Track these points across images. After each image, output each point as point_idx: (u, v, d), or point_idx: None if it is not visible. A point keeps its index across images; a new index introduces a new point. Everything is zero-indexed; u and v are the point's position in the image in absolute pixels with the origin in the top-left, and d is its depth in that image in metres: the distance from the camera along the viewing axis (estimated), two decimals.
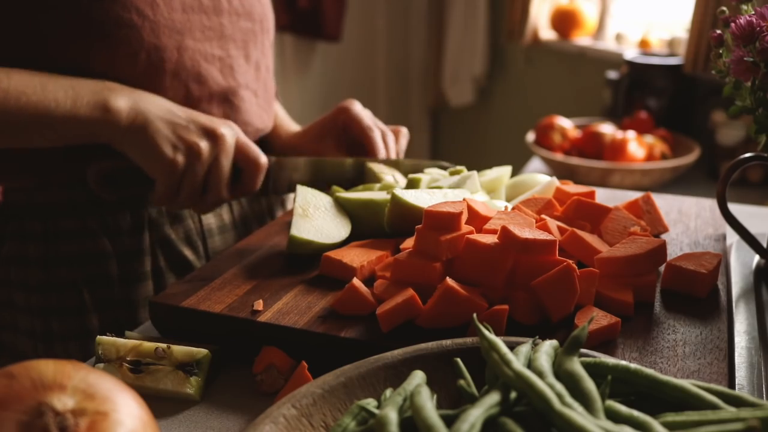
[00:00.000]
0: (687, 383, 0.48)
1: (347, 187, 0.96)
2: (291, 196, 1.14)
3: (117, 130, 0.82)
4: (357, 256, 0.77)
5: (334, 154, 1.05)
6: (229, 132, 0.86)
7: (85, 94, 0.81)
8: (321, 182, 0.97)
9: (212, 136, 0.84)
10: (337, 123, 1.03)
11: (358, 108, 1.03)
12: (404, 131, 1.07)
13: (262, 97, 1.04)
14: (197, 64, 0.92)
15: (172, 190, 0.85)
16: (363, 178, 0.98)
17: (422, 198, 0.81)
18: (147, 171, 0.84)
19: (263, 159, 0.89)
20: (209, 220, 1.00)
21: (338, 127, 1.03)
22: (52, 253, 0.91)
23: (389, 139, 1.02)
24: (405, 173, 0.98)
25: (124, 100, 0.82)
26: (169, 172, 0.83)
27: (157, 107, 0.84)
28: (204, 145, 0.84)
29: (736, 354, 0.64)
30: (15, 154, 0.89)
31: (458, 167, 0.99)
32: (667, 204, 0.96)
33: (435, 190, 0.84)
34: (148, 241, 0.95)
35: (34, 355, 0.93)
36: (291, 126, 1.14)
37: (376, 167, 0.97)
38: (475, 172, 0.91)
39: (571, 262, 0.66)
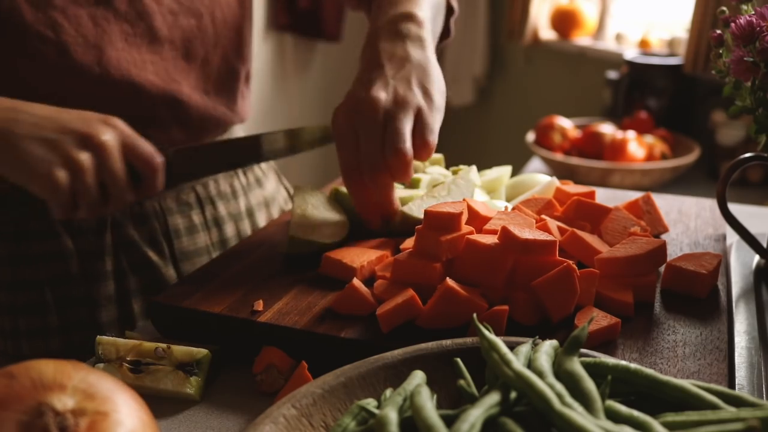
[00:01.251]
0: (687, 383, 0.48)
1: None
2: (278, 195, 1.13)
3: None
4: (357, 256, 0.77)
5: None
6: (112, 134, 0.76)
7: None
8: (230, 164, 0.91)
9: (91, 144, 0.74)
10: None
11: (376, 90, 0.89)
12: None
13: (214, 91, 0.99)
14: (128, 73, 0.88)
15: (67, 206, 0.76)
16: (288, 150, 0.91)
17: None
18: (31, 191, 0.75)
19: (157, 158, 0.78)
20: (176, 221, 0.98)
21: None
22: (19, 252, 0.91)
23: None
24: None
25: None
26: (53, 190, 0.73)
27: (21, 125, 0.74)
28: (84, 156, 0.74)
29: (736, 354, 0.64)
30: None
31: (460, 166, 0.99)
32: (667, 204, 0.96)
33: (437, 194, 0.84)
34: (110, 240, 0.93)
35: (3, 352, 0.93)
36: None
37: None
38: (473, 166, 0.92)
39: (571, 262, 0.66)
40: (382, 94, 0.78)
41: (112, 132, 0.76)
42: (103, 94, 0.88)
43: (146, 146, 0.78)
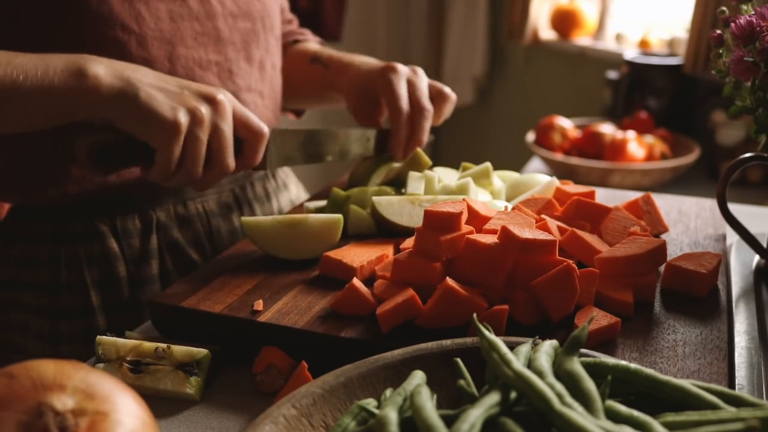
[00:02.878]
0: (687, 383, 0.48)
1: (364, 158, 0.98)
2: (300, 197, 1.14)
3: (98, 99, 0.75)
4: (357, 256, 0.77)
5: (368, 115, 1.03)
6: (226, 99, 0.80)
7: (58, 64, 0.75)
8: (319, 155, 0.95)
9: (210, 101, 0.79)
10: (373, 86, 1.00)
11: (395, 78, 0.97)
12: (449, 96, 1.01)
13: (269, 96, 1.03)
14: (192, 72, 0.91)
15: (173, 160, 0.78)
16: (377, 149, 0.98)
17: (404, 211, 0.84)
18: (146, 138, 0.77)
19: (265, 128, 0.83)
20: (218, 223, 0.99)
21: (373, 91, 1.00)
22: (61, 255, 0.91)
23: (420, 122, 0.97)
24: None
25: (102, 67, 0.76)
26: (172, 135, 0.76)
27: (145, 75, 0.78)
28: (204, 109, 0.78)
29: (736, 354, 0.64)
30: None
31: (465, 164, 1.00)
32: (667, 204, 0.96)
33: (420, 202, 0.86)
34: (156, 243, 0.94)
35: (42, 356, 0.92)
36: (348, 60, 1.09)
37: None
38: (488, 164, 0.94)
39: (571, 262, 0.66)
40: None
41: (226, 97, 0.80)
42: None
43: (256, 117, 0.83)
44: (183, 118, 0.76)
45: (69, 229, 0.91)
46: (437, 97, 1.00)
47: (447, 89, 1.01)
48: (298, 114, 1.24)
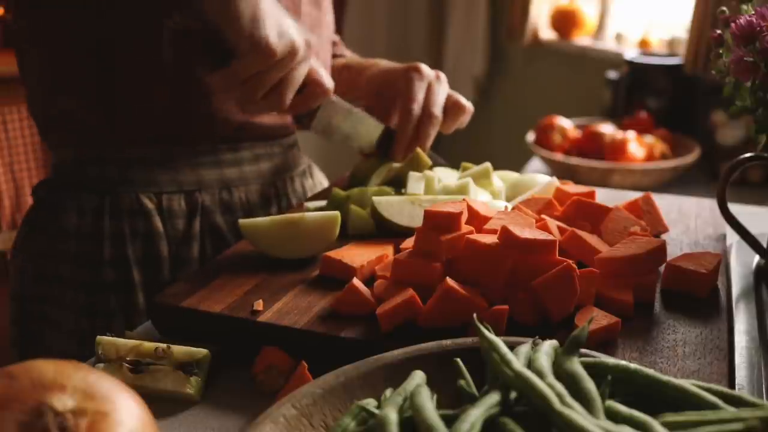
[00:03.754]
0: (687, 383, 0.48)
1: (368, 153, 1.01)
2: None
3: None
4: (357, 256, 0.77)
5: (382, 113, 1.04)
6: (310, 51, 0.87)
7: None
8: (353, 138, 0.99)
9: (307, 44, 0.85)
10: (392, 83, 1.02)
11: (417, 79, 0.99)
12: (464, 107, 1.03)
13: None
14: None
15: (244, 74, 0.83)
16: (379, 144, 1.00)
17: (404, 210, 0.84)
18: (236, 44, 0.82)
19: (331, 83, 0.92)
20: (257, 214, 1.01)
21: (390, 88, 1.02)
22: (105, 229, 0.92)
23: (425, 128, 0.99)
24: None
25: None
26: (264, 57, 0.81)
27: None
28: (301, 48, 0.84)
29: (736, 354, 0.64)
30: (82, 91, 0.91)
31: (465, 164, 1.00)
32: (667, 204, 0.96)
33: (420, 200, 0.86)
34: (199, 226, 0.96)
35: (76, 329, 0.94)
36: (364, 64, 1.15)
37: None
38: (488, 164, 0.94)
39: (571, 262, 0.66)
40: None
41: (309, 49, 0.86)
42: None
43: (326, 74, 0.92)
44: (282, 48, 0.82)
45: (115, 204, 0.93)
46: (452, 107, 1.02)
47: (464, 101, 1.03)
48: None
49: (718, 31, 0.79)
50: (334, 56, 1.20)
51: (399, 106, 0.99)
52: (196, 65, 0.90)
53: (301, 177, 1.10)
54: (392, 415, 0.45)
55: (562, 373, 0.47)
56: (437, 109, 0.98)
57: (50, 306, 0.96)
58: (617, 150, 2.10)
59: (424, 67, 1.00)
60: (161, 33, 0.88)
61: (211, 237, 0.98)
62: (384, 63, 1.09)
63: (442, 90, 1.00)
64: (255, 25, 0.80)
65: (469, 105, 1.03)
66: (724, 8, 0.80)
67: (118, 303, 0.93)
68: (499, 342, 0.49)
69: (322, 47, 1.05)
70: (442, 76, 1.02)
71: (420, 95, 0.98)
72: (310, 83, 0.90)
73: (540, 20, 3.08)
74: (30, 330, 0.98)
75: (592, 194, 0.85)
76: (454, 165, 1.05)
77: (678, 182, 2.13)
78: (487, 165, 0.95)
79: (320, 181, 1.16)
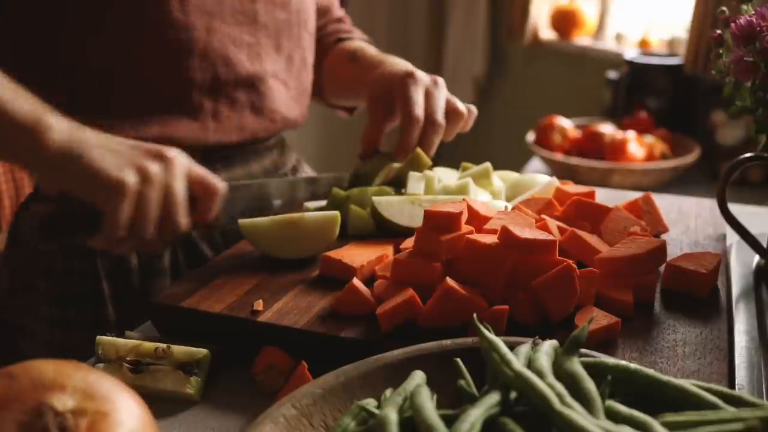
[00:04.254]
0: (687, 383, 0.48)
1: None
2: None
3: (45, 153, 0.73)
4: (357, 256, 0.77)
5: (381, 118, 1.00)
6: (179, 156, 0.77)
7: (25, 103, 0.74)
8: (269, 207, 0.92)
9: (161, 158, 0.75)
10: (391, 89, 0.98)
11: (413, 85, 0.95)
12: (462, 113, 0.98)
13: (295, 89, 1.04)
14: (225, 47, 0.93)
15: (120, 222, 0.73)
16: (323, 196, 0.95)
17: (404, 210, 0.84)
18: (91, 200, 0.74)
19: (220, 185, 0.80)
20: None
21: (390, 94, 0.98)
22: (74, 245, 0.92)
23: (430, 135, 0.95)
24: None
25: (60, 122, 0.74)
26: (119, 195, 0.72)
27: (95, 136, 0.75)
28: (154, 168, 0.74)
29: (736, 354, 0.64)
30: None
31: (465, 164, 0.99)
32: (667, 204, 0.96)
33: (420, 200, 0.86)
34: None
35: (51, 341, 0.94)
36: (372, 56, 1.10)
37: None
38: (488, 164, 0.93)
39: (571, 262, 0.66)
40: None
41: (180, 154, 0.77)
42: (197, 63, 0.91)
43: (209, 174, 0.79)
44: (130, 178, 0.73)
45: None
46: (451, 113, 0.97)
47: (461, 106, 0.98)
48: (350, 111, 1.22)
49: (718, 31, 0.79)
50: (341, 38, 1.16)
51: (401, 112, 0.95)
52: (74, 241, 0.83)
53: (281, 177, 1.07)
54: (392, 415, 0.45)
55: (562, 373, 0.47)
56: (440, 116, 0.95)
57: (25, 317, 0.96)
58: (617, 150, 2.10)
59: (420, 73, 0.98)
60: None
61: (183, 247, 0.96)
62: (389, 62, 1.06)
63: (442, 95, 0.97)
64: (93, 173, 0.72)
65: (465, 109, 0.99)
66: (724, 8, 0.80)
67: (89, 316, 0.92)
68: (499, 342, 0.49)
69: (289, 21, 1.00)
70: (440, 80, 0.99)
71: (419, 99, 0.95)
72: (197, 190, 0.79)
73: (540, 20, 3.08)
74: (5, 339, 0.98)
75: (592, 194, 0.85)
76: (454, 165, 1.04)
77: (678, 182, 2.12)
78: (487, 165, 0.95)
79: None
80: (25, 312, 0.96)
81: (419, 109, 0.94)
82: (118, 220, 0.73)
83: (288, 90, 1.03)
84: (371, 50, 1.12)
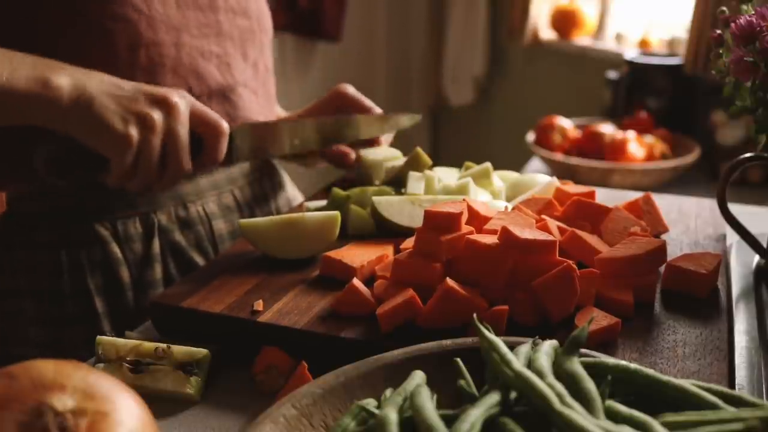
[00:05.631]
0: (687, 383, 0.48)
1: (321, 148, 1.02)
2: (296, 197, 1.14)
3: (58, 110, 0.76)
4: (357, 256, 0.77)
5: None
6: (182, 100, 0.81)
7: (24, 68, 0.76)
8: (292, 147, 0.97)
9: (164, 104, 0.79)
10: (330, 108, 1.05)
11: (353, 91, 1.05)
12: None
13: (262, 96, 1.04)
14: (195, 61, 0.93)
15: (127, 168, 0.79)
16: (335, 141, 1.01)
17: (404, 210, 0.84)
18: (99, 150, 0.79)
19: (224, 124, 0.84)
20: (219, 225, 0.99)
21: (332, 112, 1.05)
22: (63, 262, 0.90)
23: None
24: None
25: (65, 77, 0.77)
26: (123, 147, 0.77)
27: (100, 82, 0.79)
28: (156, 115, 0.78)
29: (736, 354, 0.64)
30: None
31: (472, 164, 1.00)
32: (667, 204, 0.96)
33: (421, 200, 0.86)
34: (159, 247, 0.94)
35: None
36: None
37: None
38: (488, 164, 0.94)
39: (571, 262, 0.66)
40: None
41: (183, 98, 0.81)
42: (169, 79, 0.90)
43: (214, 113, 0.84)
44: (133, 130, 0.77)
45: (70, 235, 0.90)
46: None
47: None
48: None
49: (718, 31, 0.79)
50: None
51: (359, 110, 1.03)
52: (83, 177, 0.85)
53: (261, 181, 1.07)
54: (392, 415, 0.45)
55: (562, 373, 0.47)
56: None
57: (16, 345, 0.93)
58: (617, 150, 2.10)
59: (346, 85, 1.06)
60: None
61: (172, 256, 0.95)
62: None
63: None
64: (100, 126, 0.77)
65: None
66: (724, 8, 0.80)
67: (83, 335, 0.90)
68: (499, 342, 0.49)
69: (251, 29, 1.01)
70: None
71: (365, 100, 1.03)
72: (202, 130, 0.84)
73: (540, 20, 3.08)
74: None
75: (592, 194, 0.85)
76: (455, 165, 1.05)
77: (678, 182, 2.13)
78: (488, 165, 0.95)
79: (280, 181, 1.12)
80: (14, 338, 0.93)
81: (365, 102, 1.06)
82: (122, 166, 0.79)
83: (257, 97, 1.02)
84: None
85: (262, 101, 1.04)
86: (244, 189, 1.04)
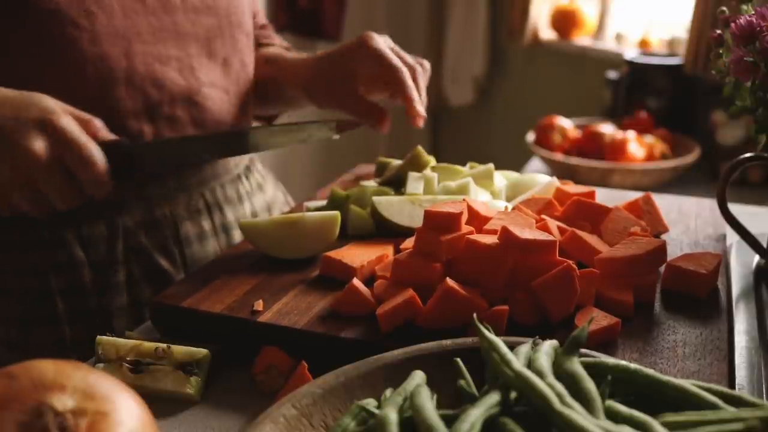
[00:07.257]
0: (687, 383, 0.48)
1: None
2: (278, 198, 1.13)
3: None
4: (357, 256, 0.77)
5: (345, 94, 0.99)
6: (65, 125, 0.76)
7: None
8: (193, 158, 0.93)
9: (47, 129, 0.75)
10: (351, 60, 0.97)
11: (377, 43, 0.96)
12: (426, 66, 1.01)
13: (235, 94, 1.00)
14: (151, 68, 0.89)
15: (39, 206, 0.77)
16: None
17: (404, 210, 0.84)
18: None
19: (99, 158, 0.78)
20: (186, 228, 0.97)
21: (351, 66, 0.97)
22: (28, 263, 0.89)
23: (419, 77, 0.96)
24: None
25: None
26: (11, 188, 0.75)
27: None
28: (39, 145, 0.74)
29: (736, 354, 0.64)
30: None
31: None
32: (667, 204, 0.96)
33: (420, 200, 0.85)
34: (122, 250, 0.92)
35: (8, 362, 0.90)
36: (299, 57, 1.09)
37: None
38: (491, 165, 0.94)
39: (571, 262, 0.66)
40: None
41: (65, 124, 0.76)
42: (123, 91, 0.88)
43: (89, 145, 0.77)
44: (12, 172, 0.74)
45: (35, 237, 0.89)
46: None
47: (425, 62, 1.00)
48: (270, 120, 1.20)
49: (718, 31, 0.79)
50: (261, 43, 1.13)
51: (382, 69, 0.94)
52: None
53: (235, 183, 1.04)
54: (392, 415, 0.45)
55: (562, 373, 0.47)
56: (413, 59, 0.98)
57: None
58: (617, 150, 2.10)
59: (372, 34, 0.98)
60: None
61: (136, 259, 0.93)
62: (312, 56, 1.05)
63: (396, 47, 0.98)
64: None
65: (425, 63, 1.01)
66: (724, 8, 0.80)
67: (46, 336, 0.89)
68: (499, 342, 0.49)
69: (219, 25, 0.97)
70: (387, 37, 0.99)
71: (387, 51, 0.95)
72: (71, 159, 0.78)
73: (540, 20, 3.08)
74: None
75: (592, 194, 0.85)
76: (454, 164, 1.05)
77: (678, 182, 2.12)
78: (490, 166, 0.95)
79: (259, 183, 1.10)
80: None
81: (397, 60, 0.95)
82: (19, 205, 0.77)
83: (229, 96, 0.99)
84: (290, 54, 1.10)
85: (234, 99, 1.00)
86: (215, 191, 1.01)
